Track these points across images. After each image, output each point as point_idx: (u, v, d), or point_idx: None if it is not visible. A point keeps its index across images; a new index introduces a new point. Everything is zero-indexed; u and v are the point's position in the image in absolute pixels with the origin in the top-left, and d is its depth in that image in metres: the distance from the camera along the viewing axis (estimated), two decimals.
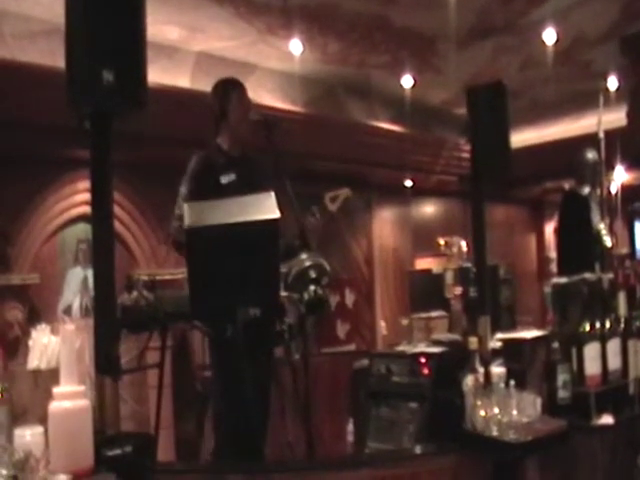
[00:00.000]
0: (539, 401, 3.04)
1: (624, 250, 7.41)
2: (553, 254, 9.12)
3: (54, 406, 2.21)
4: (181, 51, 6.86)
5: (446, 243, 5.62)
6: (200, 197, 3.62)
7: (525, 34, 6.95)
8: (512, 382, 3.03)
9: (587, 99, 6.93)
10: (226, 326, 3.40)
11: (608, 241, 5.95)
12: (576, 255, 5.78)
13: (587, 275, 3.97)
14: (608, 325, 3.53)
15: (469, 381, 3.08)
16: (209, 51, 7.00)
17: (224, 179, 4.03)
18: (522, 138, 8.18)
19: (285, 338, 3.77)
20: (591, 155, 6.16)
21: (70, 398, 2.22)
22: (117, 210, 6.48)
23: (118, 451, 2.31)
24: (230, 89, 4.26)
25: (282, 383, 3.97)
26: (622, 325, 3.60)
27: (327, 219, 4.16)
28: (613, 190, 7.05)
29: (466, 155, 6.63)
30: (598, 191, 6.13)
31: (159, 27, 6.11)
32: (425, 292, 5.71)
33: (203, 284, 3.07)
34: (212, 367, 4.14)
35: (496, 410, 2.93)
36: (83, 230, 6.63)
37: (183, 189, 4.01)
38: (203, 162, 4.07)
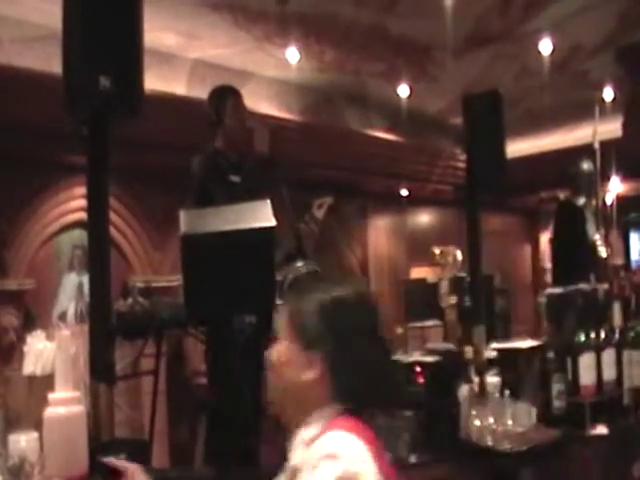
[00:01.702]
0: (534, 411, 3.05)
1: (619, 261, 7.42)
2: (548, 264, 9.11)
3: (49, 412, 2.20)
4: (177, 58, 6.85)
5: (441, 252, 5.59)
6: (212, 196, 3.65)
7: (521, 44, 6.96)
8: (507, 392, 3.03)
9: (583, 109, 6.94)
10: (222, 333, 3.40)
11: (603, 252, 5.95)
12: (571, 265, 5.78)
13: (582, 285, 3.98)
14: (603, 335, 3.54)
15: (464, 390, 3.08)
16: (205, 58, 6.98)
17: (233, 178, 4.02)
18: (518, 148, 8.17)
19: None
20: (586, 165, 6.17)
21: (65, 404, 2.21)
22: (113, 216, 6.46)
23: (112, 457, 2.30)
24: (226, 96, 4.28)
25: None
26: (617, 335, 3.61)
27: (318, 226, 4.17)
28: (608, 201, 7.05)
29: (462, 164, 6.64)
30: (593, 201, 6.13)
31: (156, 34, 6.09)
32: (420, 301, 5.72)
33: (199, 291, 3.07)
34: (208, 374, 4.14)
35: (491, 420, 2.93)
36: (79, 236, 6.60)
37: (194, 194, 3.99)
38: (206, 164, 4.06)
